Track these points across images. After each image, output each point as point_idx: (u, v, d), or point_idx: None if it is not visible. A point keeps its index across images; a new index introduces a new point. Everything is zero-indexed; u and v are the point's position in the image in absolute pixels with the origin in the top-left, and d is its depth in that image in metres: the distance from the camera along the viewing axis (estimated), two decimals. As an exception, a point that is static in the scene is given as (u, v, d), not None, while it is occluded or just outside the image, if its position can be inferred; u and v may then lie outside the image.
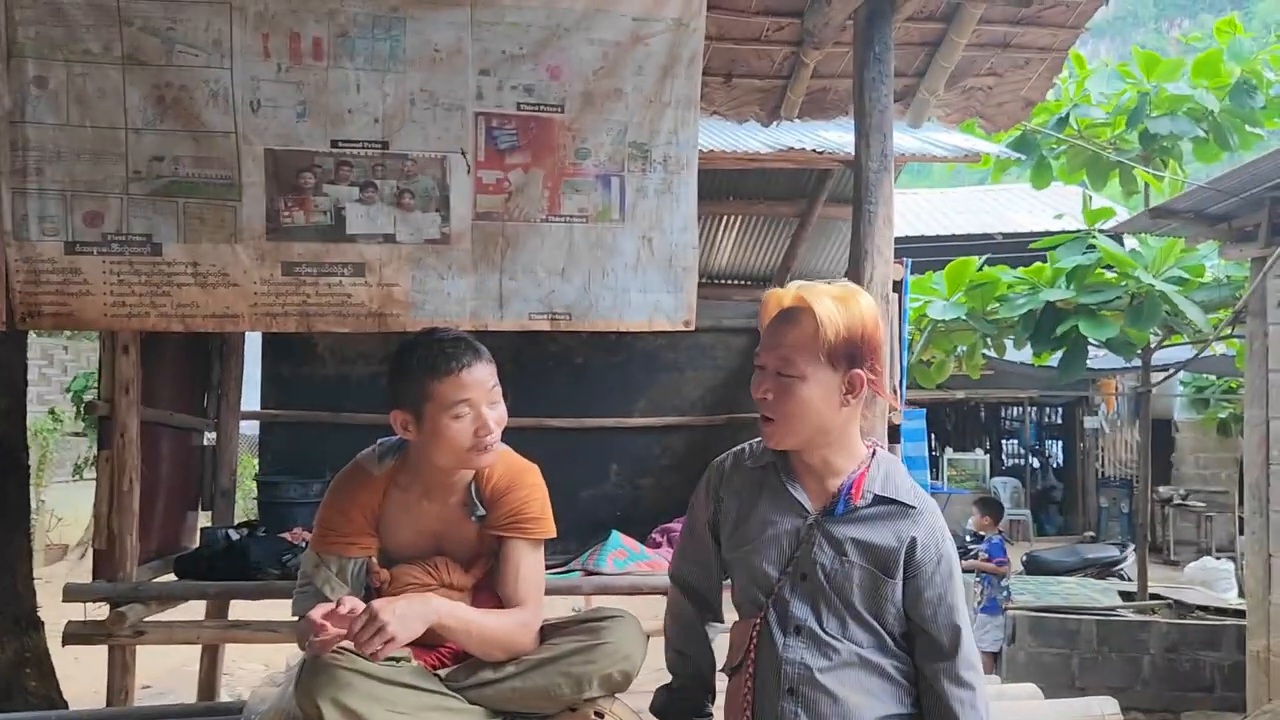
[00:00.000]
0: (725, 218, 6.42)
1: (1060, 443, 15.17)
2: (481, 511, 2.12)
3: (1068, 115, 7.95)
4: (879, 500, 1.82)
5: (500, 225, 2.83)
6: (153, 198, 2.67)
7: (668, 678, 2.05)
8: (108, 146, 2.65)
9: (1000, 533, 6.90)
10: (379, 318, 2.78)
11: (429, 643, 2.00)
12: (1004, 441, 15.42)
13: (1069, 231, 6.94)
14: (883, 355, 1.83)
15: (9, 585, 4.01)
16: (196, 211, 2.69)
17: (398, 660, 1.96)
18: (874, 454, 1.88)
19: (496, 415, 2.04)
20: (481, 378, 2.00)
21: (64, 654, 4.02)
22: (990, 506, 7.15)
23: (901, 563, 1.78)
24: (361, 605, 1.84)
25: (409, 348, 2.04)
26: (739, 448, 1.98)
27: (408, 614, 1.84)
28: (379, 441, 2.18)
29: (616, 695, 2.06)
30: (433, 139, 2.80)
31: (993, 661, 6.60)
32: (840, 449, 1.84)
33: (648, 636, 2.11)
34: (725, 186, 6.07)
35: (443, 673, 2.06)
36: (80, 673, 4.59)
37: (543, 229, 2.85)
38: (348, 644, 1.83)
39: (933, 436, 12.46)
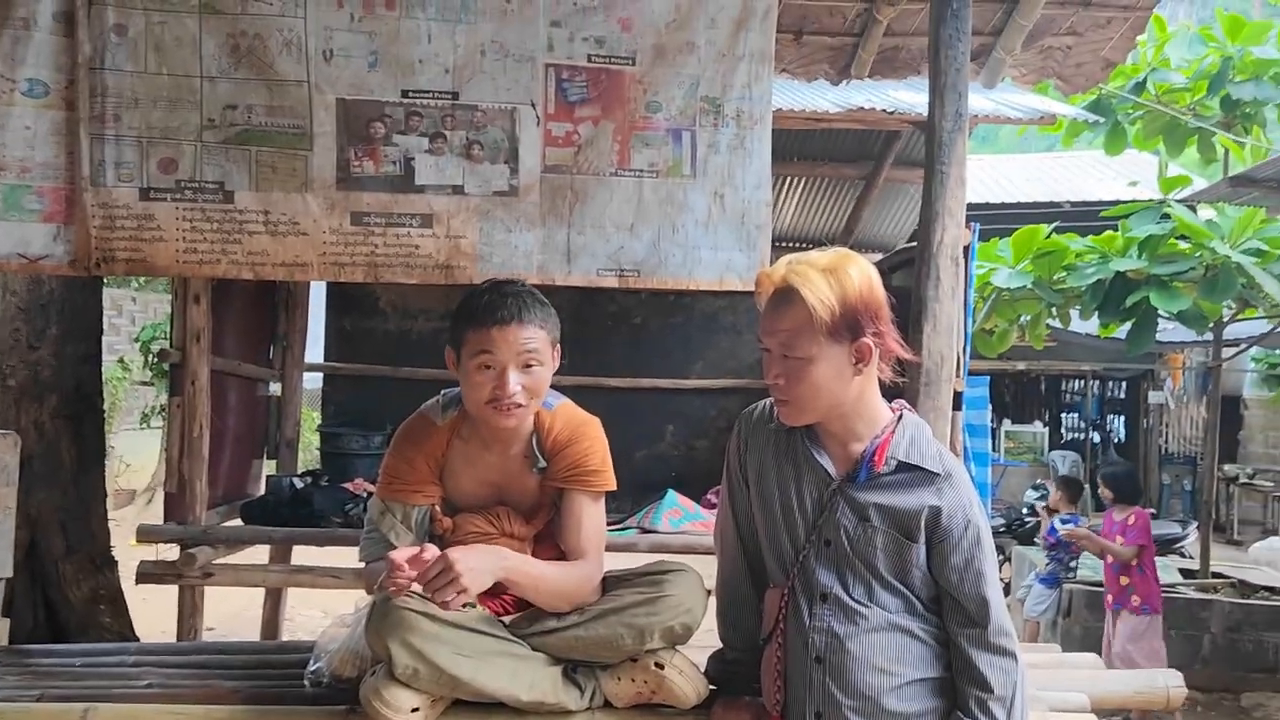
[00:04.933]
0: (789, 179, 6.34)
1: (1122, 418, 14.84)
2: (543, 463, 2.12)
3: (1145, 80, 7.70)
4: (903, 466, 1.79)
5: (569, 178, 2.81)
6: (226, 146, 2.70)
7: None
8: (183, 94, 2.68)
9: (1074, 512, 6.76)
10: (446, 270, 2.78)
11: (495, 590, 2.01)
12: (1064, 415, 15.12)
13: (1142, 200, 6.72)
14: (885, 314, 1.78)
15: (85, 525, 4.13)
16: (268, 160, 2.72)
17: (465, 606, 1.98)
18: (900, 417, 1.84)
19: (527, 380, 1.97)
20: (514, 338, 1.95)
21: (134, 594, 4.15)
22: (1070, 486, 7.02)
23: (924, 527, 1.76)
24: (440, 553, 1.86)
25: (471, 291, 2.06)
26: (765, 403, 1.94)
27: (480, 566, 1.87)
28: (442, 392, 2.19)
29: (677, 647, 2.07)
30: (503, 90, 2.78)
31: (1035, 629, 6.51)
32: (859, 416, 1.81)
33: (708, 592, 2.11)
34: (789, 147, 5.99)
35: (507, 619, 2.08)
36: (149, 613, 4.73)
37: (612, 183, 2.83)
38: (417, 589, 1.85)
39: (990, 408, 12.25)
